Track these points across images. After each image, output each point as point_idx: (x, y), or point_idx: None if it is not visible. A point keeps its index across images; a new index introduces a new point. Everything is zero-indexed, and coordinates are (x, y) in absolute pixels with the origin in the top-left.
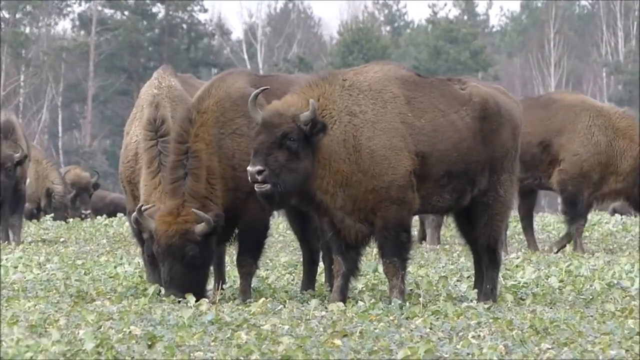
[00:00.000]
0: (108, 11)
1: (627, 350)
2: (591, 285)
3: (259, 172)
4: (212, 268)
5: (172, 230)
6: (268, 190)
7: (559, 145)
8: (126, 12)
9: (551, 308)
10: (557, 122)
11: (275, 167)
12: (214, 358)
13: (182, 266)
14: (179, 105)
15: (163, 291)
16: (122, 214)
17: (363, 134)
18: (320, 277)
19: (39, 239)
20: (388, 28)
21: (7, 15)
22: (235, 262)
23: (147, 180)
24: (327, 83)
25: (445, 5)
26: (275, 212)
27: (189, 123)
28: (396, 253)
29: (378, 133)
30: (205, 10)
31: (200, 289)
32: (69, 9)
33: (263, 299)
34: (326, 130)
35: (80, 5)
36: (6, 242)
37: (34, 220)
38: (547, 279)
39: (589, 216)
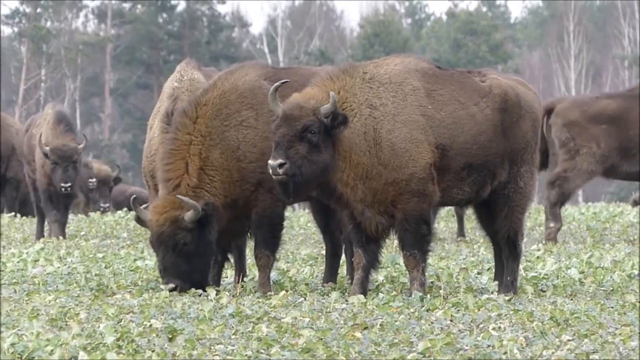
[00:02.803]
0: (126, 4)
1: None
2: (612, 277)
3: (280, 165)
4: (232, 260)
5: (162, 218)
6: (285, 178)
7: None
8: (139, 6)
9: (572, 300)
10: None
11: (296, 160)
12: (235, 351)
13: (174, 254)
14: None
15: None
16: None
17: (383, 127)
18: (341, 270)
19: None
20: (409, 21)
21: (27, 10)
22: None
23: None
24: (348, 76)
25: None
26: (295, 205)
27: (185, 115)
28: (416, 245)
29: (398, 126)
30: (224, 2)
31: (198, 278)
32: (85, 1)
33: (283, 291)
34: (347, 122)
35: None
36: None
37: None
38: (568, 271)
39: (610, 208)
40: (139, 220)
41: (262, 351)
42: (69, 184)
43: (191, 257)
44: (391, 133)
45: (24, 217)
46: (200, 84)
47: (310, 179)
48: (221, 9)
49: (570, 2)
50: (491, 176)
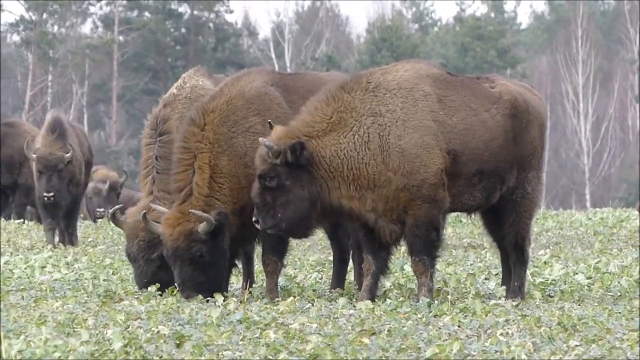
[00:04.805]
0: (132, 12)
1: None
2: (619, 282)
3: (255, 222)
4: (240, 267)
5: (176, 232)
6: (275, 231)
7: None
8: (146, 13)
9: (579, 305)
10: None
11: (267, 210)
12: (242, 357)
13: (192, 267)
14: None
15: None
16: None
17: (391, 133)
18: (349, 276)
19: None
20: (416, 26)
21: (33, 17)
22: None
23: (142, 179)
24: (346, 92)
25: (473, 2)
26: None
27: (193, 123)
28: (425, 251)
29: (409, 131)
30: (232, 12)
31: (216, 287)
32: (92, 8)
33: (291, 297)
34: (305, 147)
35: (101, 9)
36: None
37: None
38: (575, 276)
39: (617, 213)
40: (116, 220)
41: (270, 357)
42: (52, 194)
43: (207, 267)
44: (401, 139)
45: (31, 224)
46: (205, 91)
47: (296, 219)
48: (230, 16)
49: (578, 7)
50: (501, 182)
